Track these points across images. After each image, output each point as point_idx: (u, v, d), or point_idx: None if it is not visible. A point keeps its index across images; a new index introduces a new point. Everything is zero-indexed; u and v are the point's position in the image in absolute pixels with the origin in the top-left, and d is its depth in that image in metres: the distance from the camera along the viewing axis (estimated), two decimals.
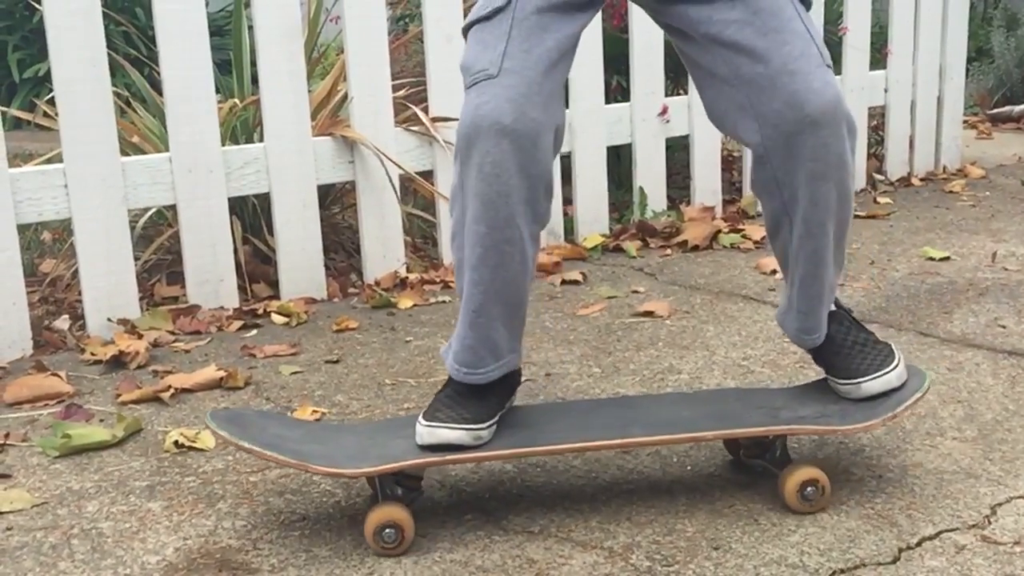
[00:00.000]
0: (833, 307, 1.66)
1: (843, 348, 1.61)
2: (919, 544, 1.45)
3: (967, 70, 4.21)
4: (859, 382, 1.59)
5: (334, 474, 1.45)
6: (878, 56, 3.74)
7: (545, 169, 1.48)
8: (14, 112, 2.92)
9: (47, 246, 3.04)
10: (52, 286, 2.63)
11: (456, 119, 2.76)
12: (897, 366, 1.61)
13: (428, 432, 1.48)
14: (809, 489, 1.52)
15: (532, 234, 1.51)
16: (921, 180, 3.84)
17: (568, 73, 1.54)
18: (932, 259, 2.84)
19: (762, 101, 1.48)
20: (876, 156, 3.87)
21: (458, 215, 1.52)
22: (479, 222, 1.47)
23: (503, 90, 1.43)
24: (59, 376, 2.09)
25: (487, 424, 1.51)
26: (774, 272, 2.74)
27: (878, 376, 1.59)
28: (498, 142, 1.43)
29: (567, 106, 2.98)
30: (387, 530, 1.44)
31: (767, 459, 1.61)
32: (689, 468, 1.68)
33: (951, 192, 3.65)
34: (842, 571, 1.38)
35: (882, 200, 3.55)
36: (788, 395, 1.66)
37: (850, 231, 1.61)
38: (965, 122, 4.89)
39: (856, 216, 3.35)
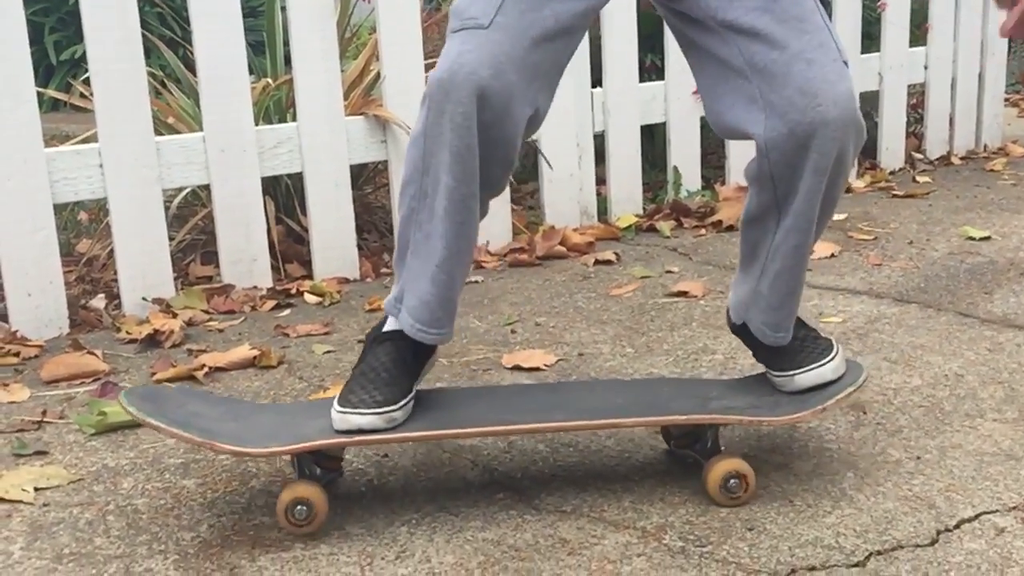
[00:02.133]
0: None
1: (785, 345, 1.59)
2: (958, 526, 1.43)
3: (1009, 46, 4.13)
4: (792, 374, 1.57)
5: (239, 453, 1.42)
6: (918, 32, 3.68)
7: (509, 136, 1.43)
8: (51, 93, 2.94)
9: (84, 226, 3.07)
10: (88, 266, 2.65)
11: None
12: (832, 360, 1.57)
13: (341, 419, 1.45)
14: (732, 481, 1.48)
15: (483, 199, 1.48)
16: (961, 159, 3.79)
17: (566, 61, 1.49)
18: (972, 239, 2.79)
19: (774, 88, 1.43)
20: (915, 134, 3.81)
21: (414, 162, 1.46)
22: (448, 174, 1.42)
23: (489, 44, 1.39)
24: (95, 354, 2.10)
25: (400, 404, 1.47)
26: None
27: (811, 369, 1.56)
28: (471, 94, 1.38)
29: (600, 85, 2.96)
30: (299, 507, 1.42)
31: (696, 450, 1.57)
32: (723, 449, 1.66)
33: (992, 171, 3.59)
34: (879, 553, 1.37)
35: (921, 179, 3.50)
36: (724, 386, 1.63)
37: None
38: (1007, 100, 4.81)
39: (894, 195, 3.30)
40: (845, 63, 1.47)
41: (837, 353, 1.59)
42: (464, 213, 1.45)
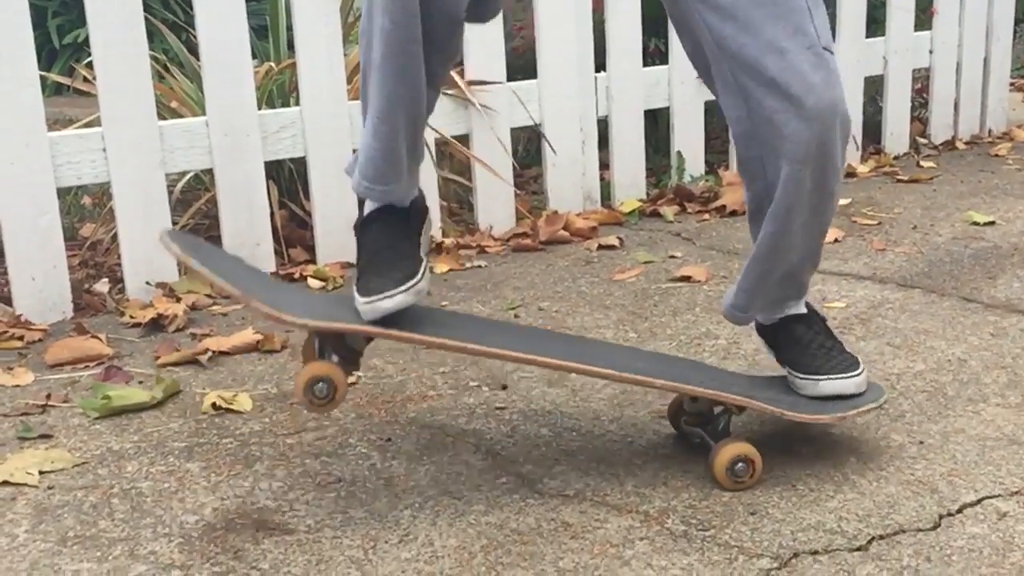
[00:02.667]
0: (806, 310, 1.63)
1: (809, 348, 1.60)
2: (960, 511, 1.43)
3: (1015, 31, 4.11)
4: (817, 379, 1.57)
5: (274, 316, 1.38)
6: (923, 17, 3.66)
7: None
8: (54, 77, 2.94)
9: (87, 210, 3.07)
10: (92, 250, 2.66)
11: (494, 82, 2.74)
12: (858, 376, 1.58)
13: (370, 308, 1.40)
14: (739, 465, 1.49)
15: (433, 66, 1.41)
16: (966, 144, 3.78)
17: None
18: (976, 224, 2.79)
19: (747, 75, 1.42)
20: (920, 119, 3.80)
21: (363, 11, 1.42)
22: (384, 15, 1.36)
23: None
24: (99, 338, 2.11)
25: (420, 274, 1.44)
26: None
27: (838, 378, 1.57)
28: None
29: (603, 69, 2.95)
30: (319, 384, 1.39)
31: (707, 431, 1.56)
32: (731, 433, 1.66)
33: (996, 156, 3.58)
34: (881, 537, 1.37)
35: (925, 164, 3.49)
36: (746, 379, 1.65)
37: (826, 231, 1.57)
38: (1012, 84, 4.78)
39: (899, 180, 3.29)
40: (825, 49, 1.43)
41: (862, 372, 1.59)
42: (403, 58, 1.37)
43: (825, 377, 1.57)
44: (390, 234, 1.47)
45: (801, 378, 1.59)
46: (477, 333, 1.53)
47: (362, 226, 1.51)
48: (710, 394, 1.52)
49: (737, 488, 1.50)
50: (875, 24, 3.54)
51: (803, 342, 1.60)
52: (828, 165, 1.47)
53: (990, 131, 3.89)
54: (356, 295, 1.44)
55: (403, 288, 1.42)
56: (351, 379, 1.58)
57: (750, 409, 1.54)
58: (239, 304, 2.33)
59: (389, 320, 1.43)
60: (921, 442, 1.62)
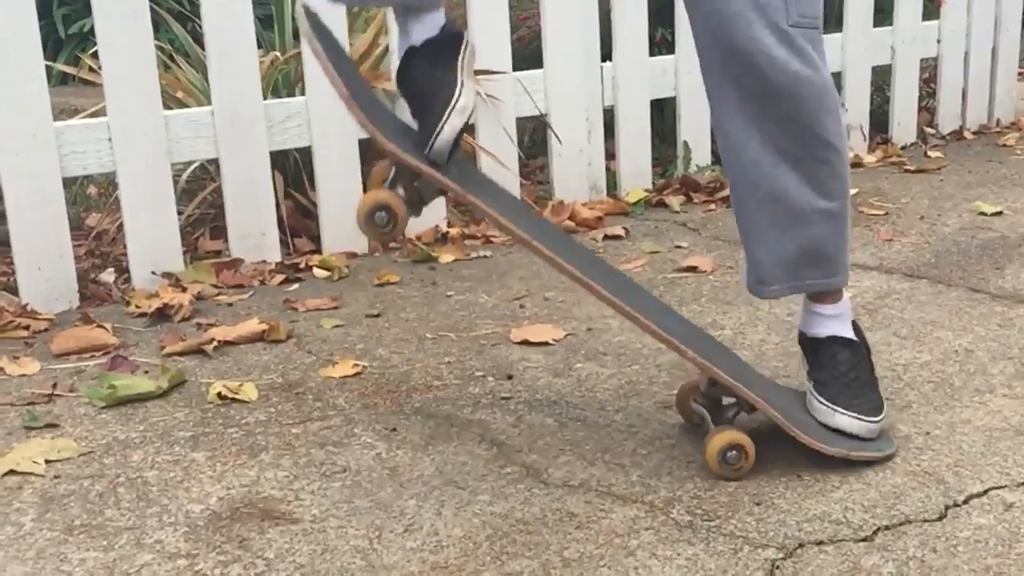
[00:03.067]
0: (854, 336, 1.61)
1: (843, 376, 1.57)
2: (966, 501, 1.42)
3: (1023, 21, 4.09)
4: (836, 410, 1.55)
5: (377, 138, 1.43)
6: (931, 6, 3.65)
7: None
8: (60, 67, 2.94)
9: (93, 200, 3.07)
10: (98, 240, 2.66)
11: (499, 72, 2.73)
12: (873, 423, 1.55)
13: (433, 153, 1.44)
14: (731, 453, 1.48)
15: None
16: (973, 134, 3.76)
17: None
18: (984, 214, 2.78)
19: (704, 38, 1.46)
20: (928, 109, 3.79)
21: None
22: None
23: None
24: (105, 328, 2.11)
25: (456, 94, 1.45)
26: None
27: (855, 417, 1.54)
28: None
29: (610, 59, 2.94)
30: (379, 212, 1.43)
31: (713, 416, 1.56)
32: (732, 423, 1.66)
33: (1004, 146, 3.57)
34: (887, 528, 1.37)
35: (933, 154, 3.48)
36: (770, 384, 1.66)
37: (819, 174, 1.52)
38: (1020, 74, 4.76)
39: (906, 170, 3.28)
40: (794, 26, 1.44)
41: (882, 420, 1.56)
42: None
43: (844, 412, 1.55)
44: (424, 68, 1.50)
45: (821, 403, 1.56)
46: (548, 240, 1.50)
47: (399, 77, 1.54)
48: (731, 384, 1.51)
49: (730, 477, 1.49)
50: (882, 13, 3.52)
51: (841, 368, 1.57)
52: (796, 88, 1.46)
53: (998, 121, 3.87)
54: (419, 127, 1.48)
55: (444, 118, 1.43)
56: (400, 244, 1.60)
57: (761, 412, 1.53)
58: (245, 295, 2.33)
59: (475, 185, 1.47)
60: (927, 433, 1.62)
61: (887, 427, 1.60)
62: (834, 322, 1.61)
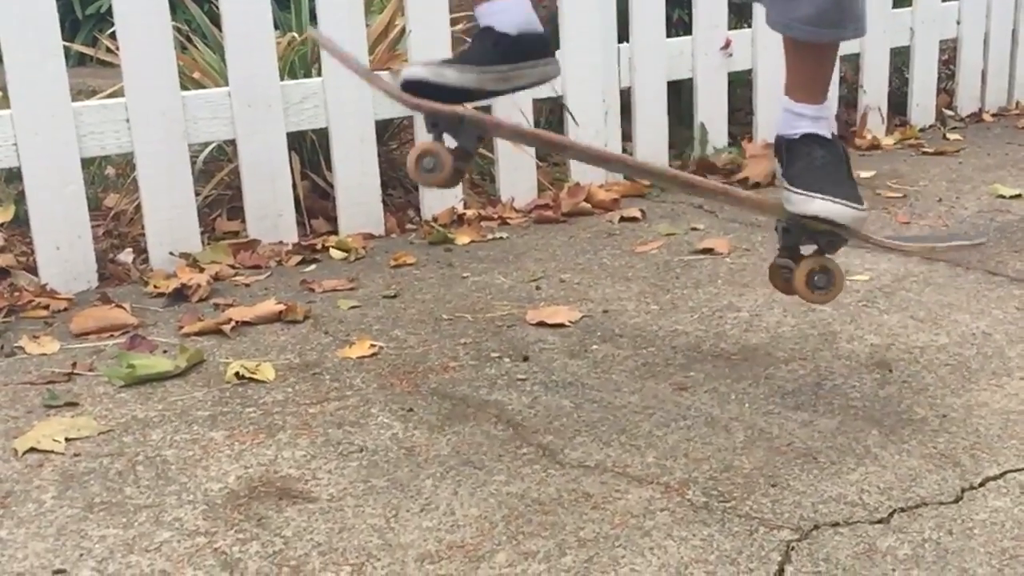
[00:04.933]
0: (830, 136, 1.61)
1: (817, 166, 1.57)
2: (983, 484, 1.42)
3: None
4: (814, 196, 1.54)
5: (395, 95, 1.65)
6: None
7: None
8: (77, 48, 2.95)
9: (111, 181, 3.08)
10: (116, 220, 2.67)
11: None
12: (855, 209, 1.54)
13: (403, 71, 1.64)
14: (818, 277, 1.56)
15: None
16: (993, 116, 3.73)
17: None
18: (1002, 197, 2.76)
19: None
20: (947, 91, 3.76)
21: None
22: None
23: None
24: (123, 308, 2.12)
25: (455, 66, 1.63)
26: None
27: (835, 201, 1.53)
28: None
29: (626, 40, 2.93)
30: (427, 158, 1.63)
31: (794, 258, 1.63)
32: (747, 405, 1.66)
33: (1023, 128, 3.55)
34: (902, 510, 1.37)
35: (952, 136, 3.45)
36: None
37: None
38: None
39: (924, 152, 3.26)
40: None
41: (864, 208, 1.55)
42: None
43: (821, 196, 1.53)
44: (479, 50, 1.67)
45: (795, 192, 1.56)
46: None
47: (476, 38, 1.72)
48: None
49: (822, 300, 1.58)
50: None
51: (817, 163, 1.57)
52: None
53: (1018, 103, 3.84)
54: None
55: (428, 63, 1.64)
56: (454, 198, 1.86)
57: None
58: (262, 276, 2.34)
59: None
60: (944, 415, 1.62)
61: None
62: (812, 123, 1.61)
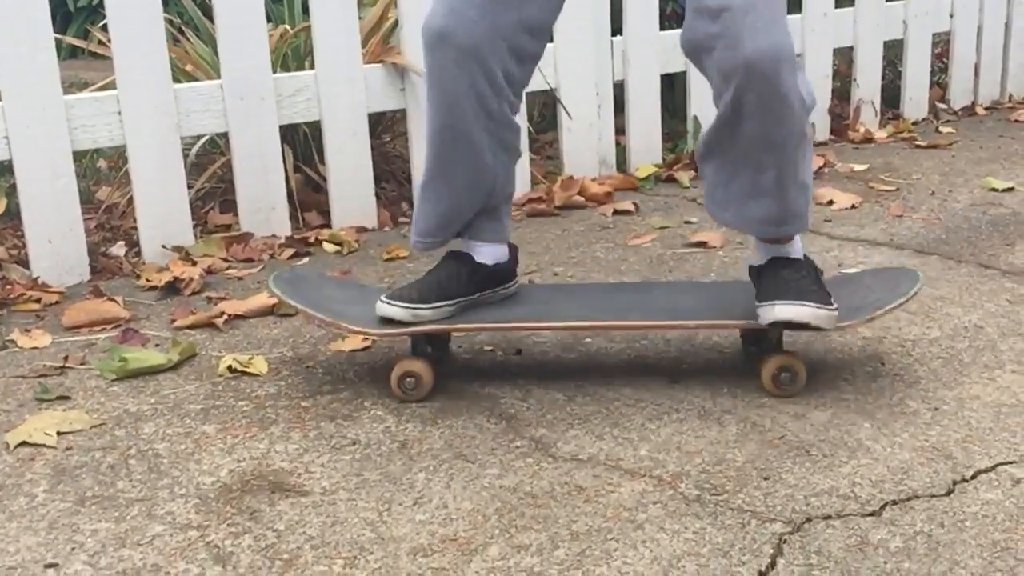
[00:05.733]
0: (800, 257, 1.67)
1: (785, 282, 1.61)
2: (974, 477, 1.43)
3: None
4: (776, 303, 1.58)
5: (362, 332, 1.69)
6: None
7: (488, 70, 1.63)
8: (69, 40, 2.94)
9: (103, 174, 3.08)
10: (108, 213, 2.66)
11: None
12: (831, 309, 1.58)
13: (378, 305, 1.68)
14: (784, 375, 1.63)
15: (487, 128, 1.67)
16: (985, 109, 3.74)
17: (547, 14, 1.67)
18: (995, 190, 2.77)
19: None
20: (939, 84, 3.76)
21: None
22: (430, 106, 1.68)
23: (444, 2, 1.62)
24: (116, 301, 2.12)
25: (431, 305, 1.69)
26: (830, 203, 2.69)
27: (800, 304, 1.56)
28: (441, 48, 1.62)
29: (620, 33, 2.93)
30: (408, 379, 1.67)
31: (760, 347, 1.70)
32: (740, 398, 1.66)
33: (1016, 121, 3.55)
34: (894, 503, 1.37)
35: (944, 129, 3.46)
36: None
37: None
38: None
39: (917, 146, 3.27)
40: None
41: (831, 308, 1.59)
42: (441, 142, 1.67)
43: (784, 303, 1.57)
44: (449, 273, 1.74)
45: (760, 305, 1.60)
46: (505, 312, 1.74)
47: (445, 256, 1.80)
48: (750, 326, 1.65)
49: (784, 395, 1.64)
50: None
51: (785, 280, 1.62)
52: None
53: (1010, 96, 3.85)
54: (384, 295, 1.71)
55: (406, 305, 1.68)
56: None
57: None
58: (255, 269, 2.34)
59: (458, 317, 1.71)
60: (936, 408, 1.62)
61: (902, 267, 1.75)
62: (780, 249, 1.68)
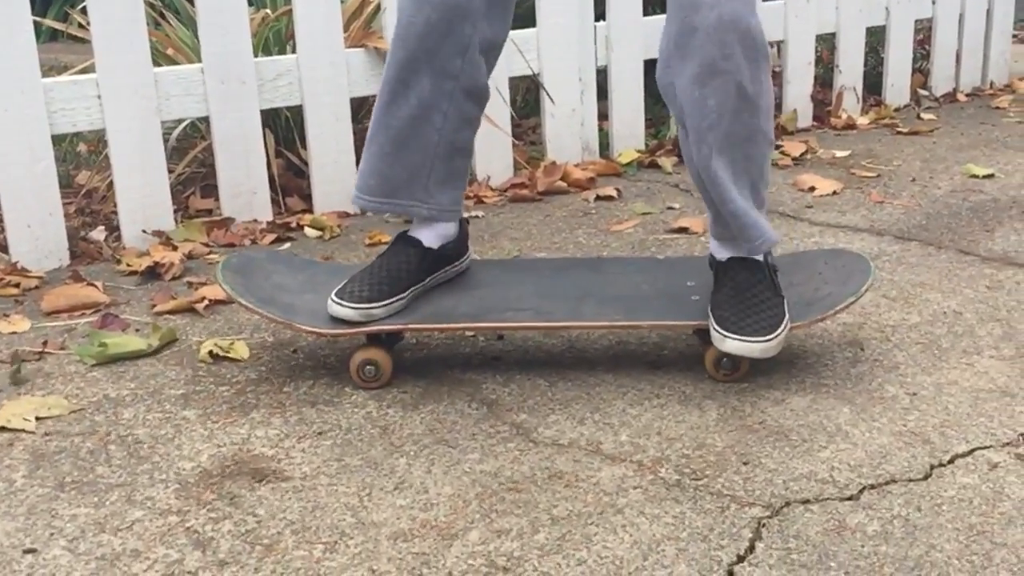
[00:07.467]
0: (760, 259, 1.67)
1: (739, 296, 1.62)
2: (951, 461, 1.44)
3: None
4: (726, 335, 1.59)
5: (315, 333, 1.66)
6: None
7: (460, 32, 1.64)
8: (48, 23, 2.91)
9: (83, 158, 3.06)
10: (88, 197, 2.65)
11: None
12: (767, 342, 1.57)
13: (329, 305, 1.66)
14: (724, 360, 1.65)
15: (439, 87, 1.65)
16: (967, 96, 3.76)
17: None
18: (975, 176, 2.78)
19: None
20: (921, 71, 3.78)
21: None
22: (388, 56, 1.68)
23: None
24: (95, 286, 2.11)
25: (383, 303, 1.67)
26: (812, 189, 2.69)
27: (742, 340, 1.57)
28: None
29: (603, 18, 2.92)
30: (368, 367, 1.66)
31: (702, 337, 1.70)
32: (721, 383, 1.67)
33: (997, 108, 3.57)
34: (872, 487, 1.38)
35: (926, 116, 3.47)
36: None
37: (759, 156, 1.63)
38: (1014, 36, 4.75)
39: (898, 132, 3.28)
40: None
41: (775, 337, 1.59)
42: (390, 95, 1.67)
43: (732, 336, 1.58)
44: (400, 264, 1.72)
45: (714, 328, 1.61)
46: (452, 303, 1.73)
47: (395, 239, 1.78)
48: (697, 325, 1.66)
49: (728, 380, 1.66)
50: None
51: (740, 288, 1.63)
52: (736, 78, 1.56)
53: (992, 83, 3.87)
54: (333, 292, 1.68)
55: (357, 306, 1.65)
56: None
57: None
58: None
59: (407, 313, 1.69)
60: (914, 393, 1.63)
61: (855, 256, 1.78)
62: (738, 246, 1.68)
